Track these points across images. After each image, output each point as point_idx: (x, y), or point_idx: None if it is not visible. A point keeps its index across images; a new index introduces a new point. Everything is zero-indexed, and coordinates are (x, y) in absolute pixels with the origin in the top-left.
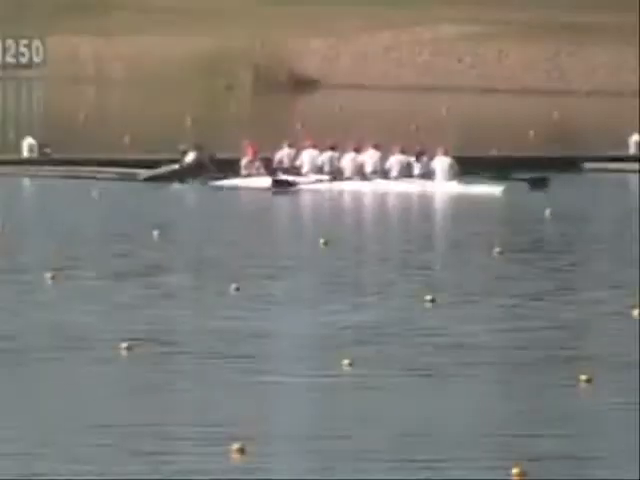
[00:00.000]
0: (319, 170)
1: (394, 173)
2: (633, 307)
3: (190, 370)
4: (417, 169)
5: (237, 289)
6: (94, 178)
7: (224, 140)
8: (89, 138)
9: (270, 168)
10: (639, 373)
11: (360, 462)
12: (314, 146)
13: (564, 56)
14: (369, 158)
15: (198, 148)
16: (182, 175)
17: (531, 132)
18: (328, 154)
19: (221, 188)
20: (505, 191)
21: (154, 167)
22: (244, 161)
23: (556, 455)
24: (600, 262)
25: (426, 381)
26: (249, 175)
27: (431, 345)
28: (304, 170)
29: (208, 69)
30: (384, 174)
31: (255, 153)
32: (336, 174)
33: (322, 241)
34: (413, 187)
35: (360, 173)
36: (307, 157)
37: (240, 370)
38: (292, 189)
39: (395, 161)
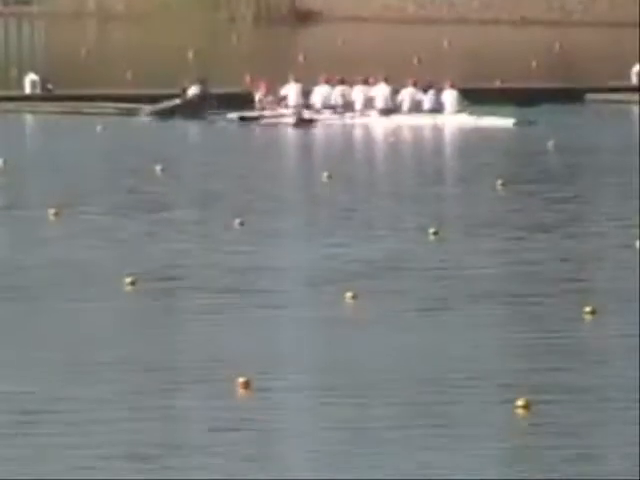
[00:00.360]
0: (331, 106)
1: (406, 106)
2: (636, 239)
3: (194, 304)
4: (427, 102)
5: (241, 223)
6: (97, 114)
7: (226, 74)
8: (91, 73)
9: (283, 103)
10: None
11: (363, 394)
12: (326, 81)
13: None
14: (380, 92)
15: (201, 82)
16: (185, 109)
17: (533, 63)
18: (339, 89)
19: (240, 122)
20: (517, 123)
21: (157, 102)
22: (258, 96)
23: (560, 387)
24: (603, 194)
25: (429, 314)
26: (263, 110)
27: (434, 278)
28: (317, 106)
29: (210, 2)
30: (396, 108)
31: (268, 89)
32: (346, 109)
33: (326, 175)
34: (425, 120)
35: (371, 107)
36: (319, 93)
37: (244, 304)
38: (313, 125)
39: (407, 94)
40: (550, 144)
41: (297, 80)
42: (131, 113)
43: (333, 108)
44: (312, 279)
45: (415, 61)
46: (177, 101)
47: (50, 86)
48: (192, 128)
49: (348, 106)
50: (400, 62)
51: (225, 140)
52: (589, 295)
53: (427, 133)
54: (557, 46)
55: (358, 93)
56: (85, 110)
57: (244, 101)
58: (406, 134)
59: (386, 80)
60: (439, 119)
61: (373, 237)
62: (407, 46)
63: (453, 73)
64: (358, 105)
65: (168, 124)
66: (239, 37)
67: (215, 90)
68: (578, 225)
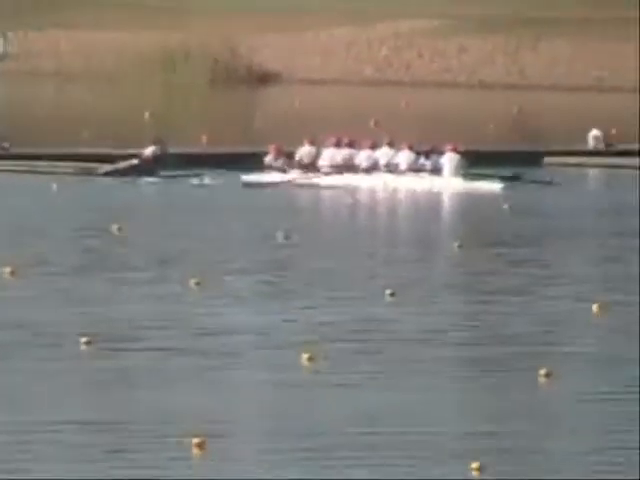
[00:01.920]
0: (337, 167)
1: (402, 168)
2: (592, 302)
3: (149, 365)
4: (426, 166)
5: (197, 283)
6: (54, 173)
7: (183, 134)
8: (48, 133)
9: (292, 165)
10: (596, 367)
11: (316, 457)
12: (336, 144)
13: (524, 50)
14: (383, 155)
15: (158, 142)
16: (141, 169)
17: (491, 126)
18: (346, 151)
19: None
20: (505, 188)
21: (114, 161)
22: (267, 158)
23: (514, 450)
24: (559, 256)
25: (384, 376)
26: (271, 171)
27: (390, 340)
28: (323, 167)
29: (168, 63)
30: (394, 169)
31: (278, 151)
32: (350, 170)
33: (282, 234)
34: (420, 183)
35: (375, 169)
36: (327, 155)
37: (199, 365)
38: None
39: (404, 157)
40: (506, 206)
41: (312, 143)
42: (88, 172)
43: (339, 169)
44: (268, 340)
45: (372, 123)
46: (134, 161)
47: (6, 145)
48: (149, 188)
49: (351, 167)
50: (356, 124)
51: (184, 200)
52: (545, 358)
53: (404, 195)
54: (515, 109)
55: (362, 155)
56: (42, 169)
57: (199, 162)
58: (388, 196)
59: (390, 144)
60: (436, 182)
61: (330, 298)
62: (364, 108)
63: (411, 135)
64: (363, 166)
65: (125, 183)
66: (197, 98)
67: (172, 150)
68: (534, 288)
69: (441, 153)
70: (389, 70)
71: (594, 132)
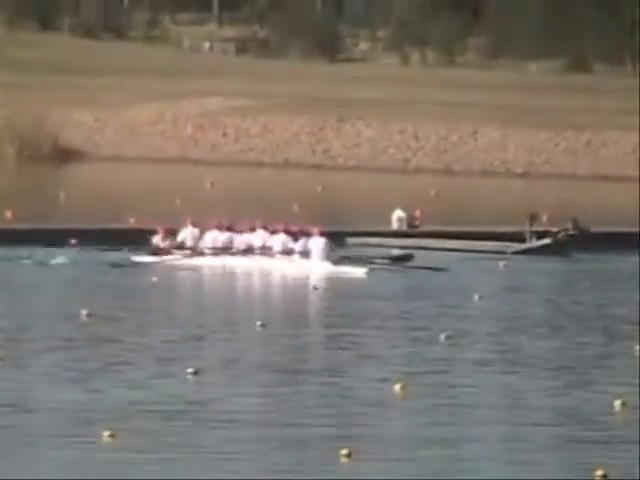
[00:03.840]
0: (219, 248)
1: (276, 250)
2: (394, 382)
3: None
4: (297, 249)
5: (1, 359)
6: None
7: None
8: None
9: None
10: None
11: None
12: (217, 227)
13: (328, 130)
14: (258, 238)
15: None
16: None
17: (295, 206)
18: (227, 234)
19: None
20: (370, 272)
21: None
22: (155, 239)
23: None
24: (364, 337)
25: (186, 456)
26: (159, 252)
27: (192, 419)
28: (206, 248)
29: None
30: (268, 252)
31: (167, 232)
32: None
33: (85, 312)
34: (290, 267)
35: (250, 252)
36: (209, 237)
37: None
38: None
39: (278, 240)
40: (311, 286)
41: (195, 225)
42: None
43: (221, 251)
44: (70, 418)
45: (178, 202)
46: None
47: None
48: None
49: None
50: (161, 203)
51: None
52: (345, 438)
53: (270, 278)
54: (319, 189)
55: (238, 239)
56: None
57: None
58: (248, 278)
59: (265, 227)
60: (305, 266)
61: (133, 378)
62: (169, 187)
63: (217, 215)
64: (239, 248)
65: None
66: (1, 176)
67: None
68: (333, 367)
69: (309, 235)
70: (194, 149)
71: (398, 213)
